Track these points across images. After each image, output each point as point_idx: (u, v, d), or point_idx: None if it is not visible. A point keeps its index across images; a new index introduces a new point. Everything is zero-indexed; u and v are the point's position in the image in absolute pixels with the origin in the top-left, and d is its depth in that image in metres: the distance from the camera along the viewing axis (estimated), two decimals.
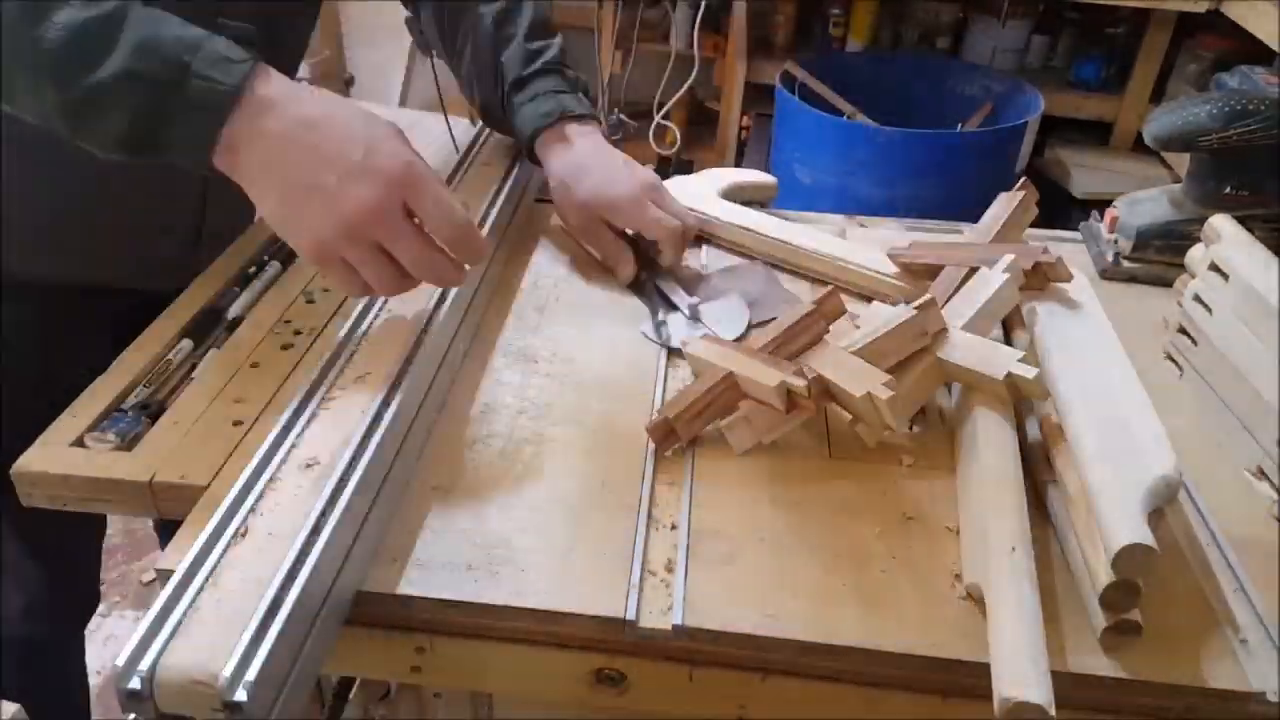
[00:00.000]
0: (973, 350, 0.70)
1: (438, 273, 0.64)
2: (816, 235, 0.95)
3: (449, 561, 0.60)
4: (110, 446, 0.68)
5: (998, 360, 0.68)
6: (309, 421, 0.63)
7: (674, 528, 0.64)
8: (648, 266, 0.90)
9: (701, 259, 0.96)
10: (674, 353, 0.82)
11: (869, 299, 0.86)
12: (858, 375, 0.66)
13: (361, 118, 0.62)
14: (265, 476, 0.58)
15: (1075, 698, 0.57)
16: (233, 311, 0.84)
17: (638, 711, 0.62)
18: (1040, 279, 0.80)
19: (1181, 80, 2.15)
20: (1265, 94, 0.89)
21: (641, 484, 0.67)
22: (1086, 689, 0.56)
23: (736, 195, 1.05)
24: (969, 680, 0.57)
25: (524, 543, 0.62)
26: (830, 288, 0.78)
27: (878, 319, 0.72)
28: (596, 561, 0.61)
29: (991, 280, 0.77)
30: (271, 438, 0.61)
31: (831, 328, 0.74)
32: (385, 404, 0.64)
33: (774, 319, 0.78)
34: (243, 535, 0.54)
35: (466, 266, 0.65)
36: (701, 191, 1.01)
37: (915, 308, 0.70)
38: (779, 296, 0.89)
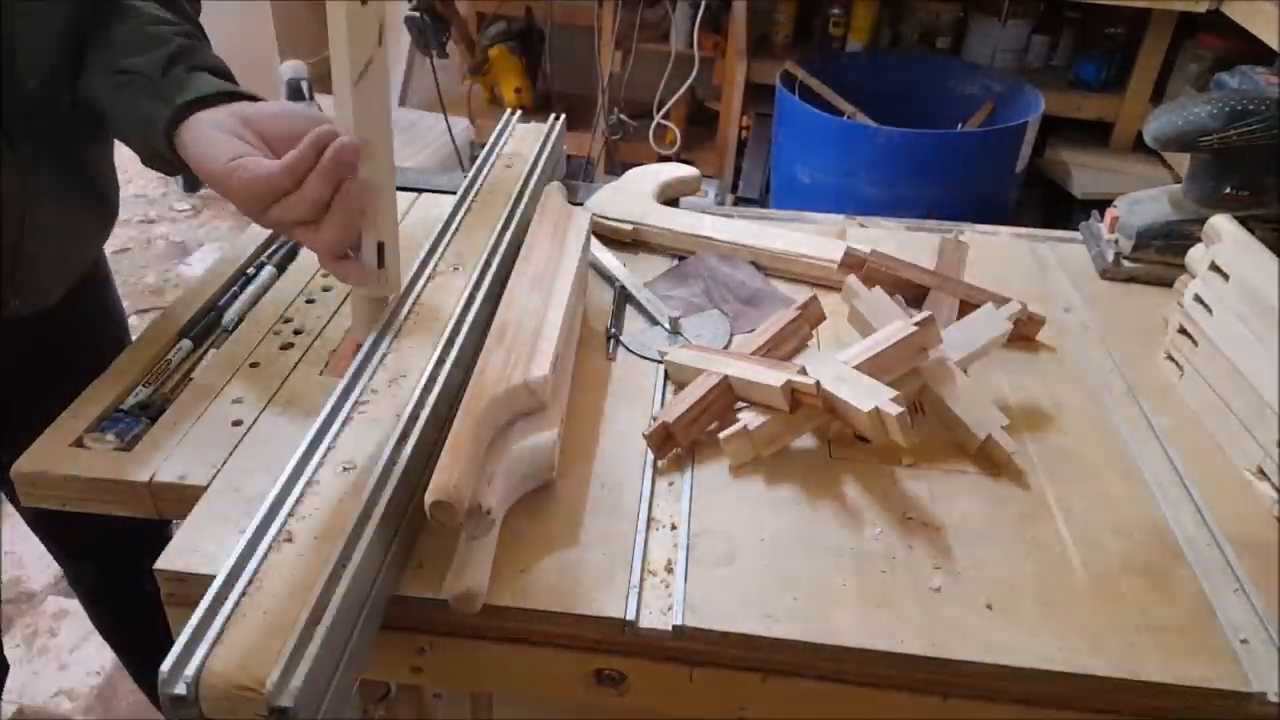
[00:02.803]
0: (969, 402, 0.72)
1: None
2: (764, 231, 0.96)
3: (449, 561, 0.60)
4: (110, 447, 0.68)
5: (987, 420, 0.70)
6: (344, 425, 0.62)
7: (674, 528, 0.64)
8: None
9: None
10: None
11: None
12: (863, 390, 0.66)
13: None
14: (303, 480, 0.58)
15: (1075, 698, 0.57)
16: (230, 313, 0.84)
17: (638, 712, 0.62)
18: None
19: (1182, 80, 2.14)
20: (1265, 94, 0.89)
21: (641, 484, 0.67)
22: (1086, 689, 0.56)
23: (667, 193, 1.05)
24: (970, 680, 0.57)
25: (524, 543, 0.62)
26: (812, 295, 0.79)
27: (876, 335, 0.72)
28: (596, 562, 0.61)
29: (992, 326, 0.77)
30: (307, 440, 0.60)
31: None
32: (419, 406, 0.64)
33: (754, 329, 0.79)
34: (287, 540, 0.53)
35: None
36: (639, 204, 1.01)
37: (915, 324, 0.70)
38: (767, 288, 0.89)
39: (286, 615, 0.48)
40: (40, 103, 0.73)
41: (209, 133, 0.67)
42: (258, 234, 0.96)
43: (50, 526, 1.10)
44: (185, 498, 0.65)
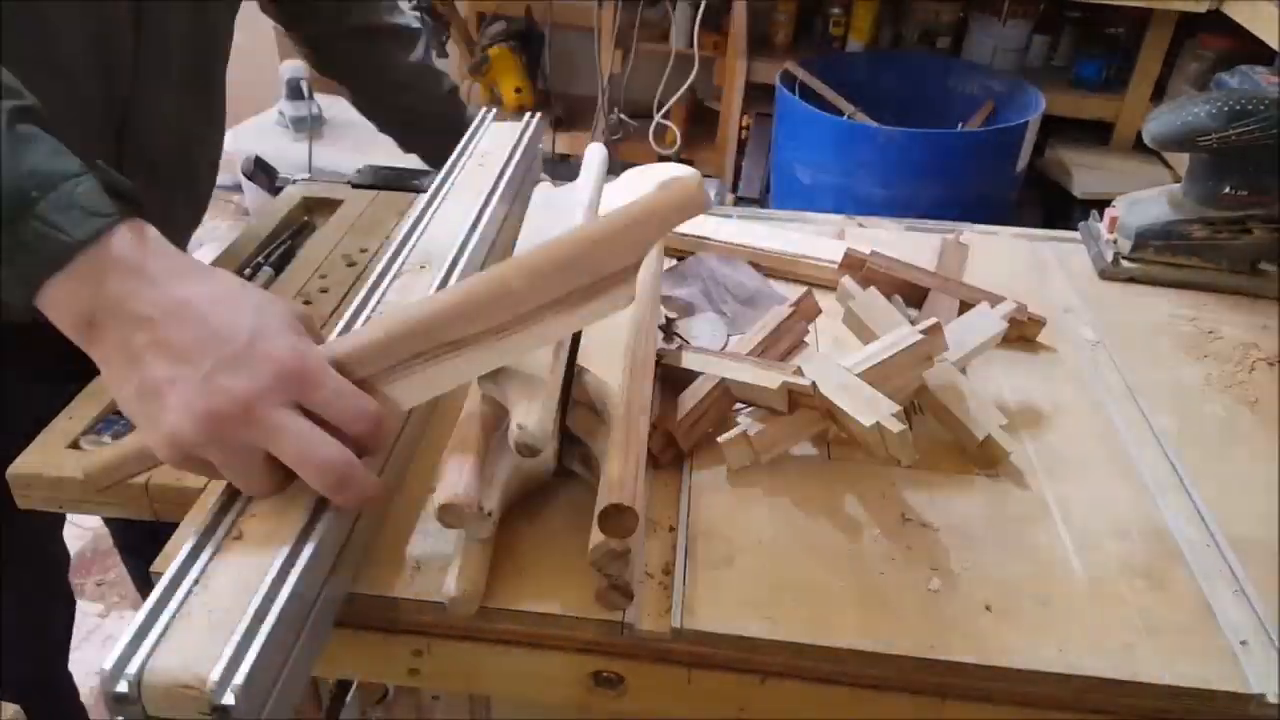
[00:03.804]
0: (968, 402, 0.72)
1: (339, 474, 0.51)
2: (764, 231, 0.96)
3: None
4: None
5: (986, 421, 0.70)
6: None
7: (672, 530, 0.64)
8: None
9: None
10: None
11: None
12: (865, 402, 0.66)
13: (253, 301, 0.53)
14: None
15: (1074, 699, 0.57)
16: None
17: (636, 714, 0.61)
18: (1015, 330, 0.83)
19: (1182, 80, 2.15)
20: (1265, 94, 0.89)
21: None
22: (1085, 690, 0.56)
23: None
24: (968, 682, 0.57)
25: (521, 544, 0.62)
26: (807, 290, 0.79)
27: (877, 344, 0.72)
28: None
29: (988, 325, 0.78)
30: None
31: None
32: None
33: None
34: (237, 538, 0.53)
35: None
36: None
37: (921, 331, 0.70)
38: (766, 288, 0.89)
39: (231, 613, 0.48)
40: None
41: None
42: (256, 235, 0.96)
43: None
44: (182, 499, 0.65)
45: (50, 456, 0.67)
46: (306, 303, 0.86)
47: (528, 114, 1.06)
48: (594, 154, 0.89)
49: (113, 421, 0.71)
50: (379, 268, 0.77)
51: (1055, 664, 0.55)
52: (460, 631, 0.60)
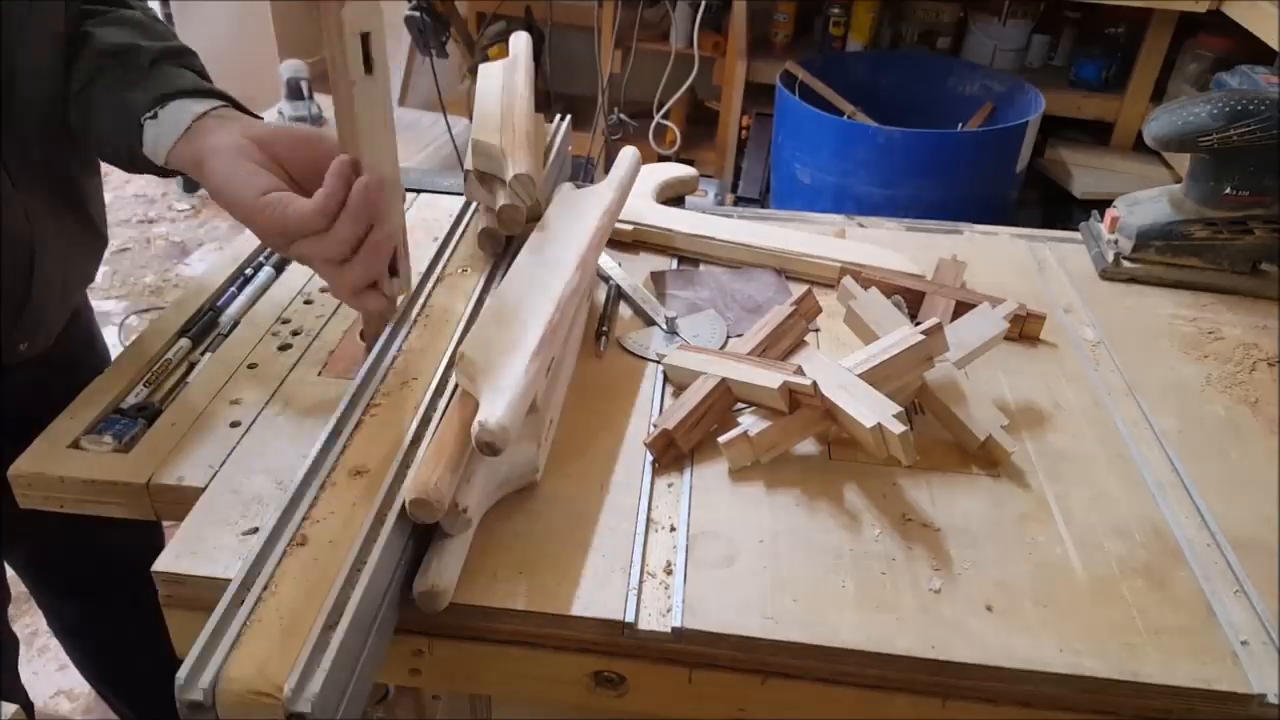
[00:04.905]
0: (969, 402, 0.72)
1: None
2: (763, 230, 0.97)
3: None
4: (108, 448, 0.68)
5: (987, 420, 0.70)
6: (355, 428, 0.62)
7: (673, 529, 0.64)
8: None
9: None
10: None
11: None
12: (866, 403, 0.66)
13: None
14: (316, 484, 0.57)
15: (1075, 700, 0.57)
16: (228, 314, 0.84)
17: (637, 713, 0.61)
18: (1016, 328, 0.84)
19: (1182, 80, 2.14)
20: (1265, 94, 0.89)
21: (640, 485, 0.67)
22: (1086, 690, 0.56)
23: (665, 193, 1.05)
24: (968, 682, 0.57)
25: (521, 544, 0.62)
26: (807, 288, 0.79)
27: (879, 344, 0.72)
28: (596, 563, 0.61)
29: (989, 325, 0.78)
30: (320, 443, 0.60)
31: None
32: (431, 409, 0.64)
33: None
34: (301, 544, 0.53)
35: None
36: (639, 204, 1.01)
37: (923, 332, 0.70)
38: (777, 298, 0.89)
39: (303, 619, 0.48)
40: (37, 129, 0.72)
41: (231, 160, 0.65)
42: (250, 240, 0.95)
43: (39, 570, 1.09)
44: (183, 499, 0.65)
45: (51, 455, 0.67)
46: (307, 302, 0.86)
47: (558, 116, 1.06)
48: (625, 157, 0.89)
49: (113, 421, 0.71)
50: (422, 269, 0.77)
51: (1055, 664, 0.55)
52: (461, 631, 0.60)
